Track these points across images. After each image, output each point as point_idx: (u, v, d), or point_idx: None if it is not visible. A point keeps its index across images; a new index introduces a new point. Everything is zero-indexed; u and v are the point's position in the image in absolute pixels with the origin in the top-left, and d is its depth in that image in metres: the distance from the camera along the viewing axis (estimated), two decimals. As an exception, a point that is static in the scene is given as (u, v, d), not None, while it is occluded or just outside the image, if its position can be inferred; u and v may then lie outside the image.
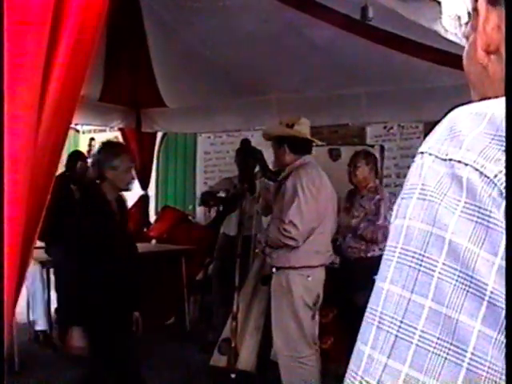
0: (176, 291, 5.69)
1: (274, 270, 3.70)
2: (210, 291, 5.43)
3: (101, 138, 8.48)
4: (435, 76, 4.01)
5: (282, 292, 3.66)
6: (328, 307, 4.05)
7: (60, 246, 5.05)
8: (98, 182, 3.19)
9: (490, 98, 0.56)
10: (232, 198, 4.96)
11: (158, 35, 4.96)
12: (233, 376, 4.05)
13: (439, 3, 2.26)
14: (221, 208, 5.56)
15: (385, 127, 6.04)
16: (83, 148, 8.00)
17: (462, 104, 0.55)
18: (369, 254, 4.23)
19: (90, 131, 8.50)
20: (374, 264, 0.88)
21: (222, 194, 5.46)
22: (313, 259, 3.65)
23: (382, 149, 5.54)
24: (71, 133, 8.28)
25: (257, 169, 4.41)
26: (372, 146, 5.47)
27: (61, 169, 5.28)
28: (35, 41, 0.95)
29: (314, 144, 3.91)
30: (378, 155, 5.23)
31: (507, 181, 0.47)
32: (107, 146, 3.35)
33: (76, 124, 7.35)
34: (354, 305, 3.71)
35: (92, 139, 8.58)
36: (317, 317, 3.78)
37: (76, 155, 5.71)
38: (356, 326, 0.56)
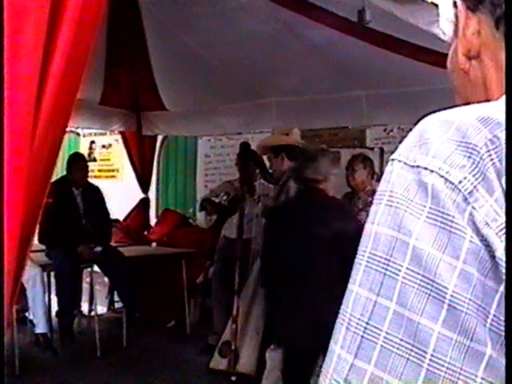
0: (176, 294, 5.68)
1: None
2: (210, 294, 5.43)
3: (101, 141, 8.51)
4: (435, 78, 4.00)
5: None
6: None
7: (60, 248, 5.07)
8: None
9: (472, 103, 0.56)
10: (232, 201, 4.97)
11: (158, 39, 4.98)
12: (233, 379, 4.07)
13: (436, 6, 2.27)
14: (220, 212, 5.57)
15: (385, 130, 6.03)
16: (84, 151, 8.02)
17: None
18: None
19: (90, 134, 8.52)
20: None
21: (223, 197, 5.47)
22: None
23: (382, 151, 5.53)
24: (72, 136, 8.30)
25: (257, 171, 4.47)
26: (372, 149, 5.47)
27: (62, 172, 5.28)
28: (32, 42, 0.95)
29: None
30: (378, 158, 5.23)
31: (507, 184, 0.48)
32: (328, 152, 3.50)
33: (77, 127, 7.36)
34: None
35: (92, 142, 8.59)
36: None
37: (76, 157, 5.68)
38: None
